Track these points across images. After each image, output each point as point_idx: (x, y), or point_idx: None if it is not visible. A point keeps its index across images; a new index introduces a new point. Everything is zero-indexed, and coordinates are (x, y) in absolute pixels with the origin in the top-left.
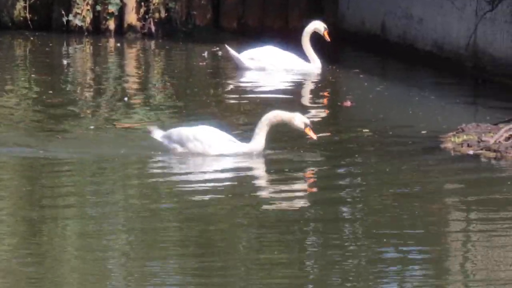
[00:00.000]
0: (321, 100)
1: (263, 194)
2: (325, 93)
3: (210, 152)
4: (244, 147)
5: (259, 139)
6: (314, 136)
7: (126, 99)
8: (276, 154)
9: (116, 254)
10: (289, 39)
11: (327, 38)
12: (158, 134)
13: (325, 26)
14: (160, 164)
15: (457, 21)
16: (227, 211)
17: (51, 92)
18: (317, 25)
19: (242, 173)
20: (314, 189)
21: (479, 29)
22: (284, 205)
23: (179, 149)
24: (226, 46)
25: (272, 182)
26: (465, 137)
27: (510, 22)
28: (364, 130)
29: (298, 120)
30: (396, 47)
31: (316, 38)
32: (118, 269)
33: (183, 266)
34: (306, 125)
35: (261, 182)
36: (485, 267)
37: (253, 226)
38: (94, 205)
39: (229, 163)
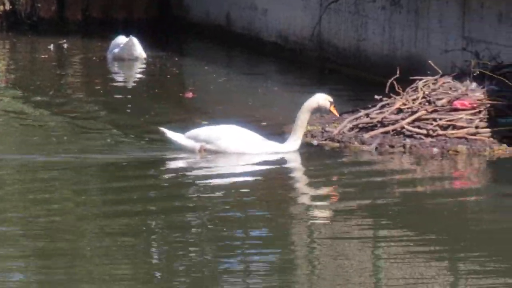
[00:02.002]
0: (163, 92)
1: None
2: (168, 85)
3: (245, 150)
4: (279, 147)
5: (297, 139)
6: (337, 114)
7: None
8: None
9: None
10: (133, 30)
11: None
12: (173, 134)
13: None
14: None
15: (302, 12)
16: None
17: None
18: None
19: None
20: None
21: (323, 19)
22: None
23: (207, 146)
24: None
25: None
26: (309, 127)
27: (354, 12)
28: (203, 122)
29: (323, 99)
30: (241, 38)
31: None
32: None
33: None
34: (331, 103)
35: None
36: (332, 274)
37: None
38: None
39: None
